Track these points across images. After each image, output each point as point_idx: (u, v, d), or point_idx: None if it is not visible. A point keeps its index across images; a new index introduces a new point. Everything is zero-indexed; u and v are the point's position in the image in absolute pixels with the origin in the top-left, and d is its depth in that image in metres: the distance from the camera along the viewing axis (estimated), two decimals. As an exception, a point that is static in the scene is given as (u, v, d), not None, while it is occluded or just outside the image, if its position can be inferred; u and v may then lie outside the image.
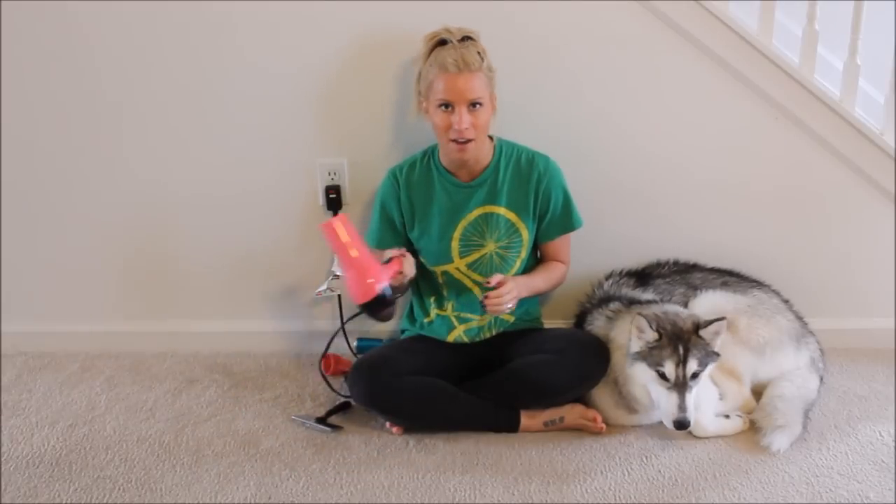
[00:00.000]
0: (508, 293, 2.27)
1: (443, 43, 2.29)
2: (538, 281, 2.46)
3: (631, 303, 2.41)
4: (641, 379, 2.24)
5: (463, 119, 2.25)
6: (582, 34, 2.54)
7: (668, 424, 2.20)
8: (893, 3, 2.65)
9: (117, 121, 2.65)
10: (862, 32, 2.52)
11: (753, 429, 2.32)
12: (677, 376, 2.17)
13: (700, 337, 2.20)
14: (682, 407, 2.17)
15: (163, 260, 2.79)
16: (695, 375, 2.19)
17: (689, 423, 2.17)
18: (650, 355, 2.20)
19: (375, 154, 2.63)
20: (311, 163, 2.67)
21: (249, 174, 2.69)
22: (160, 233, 2.76)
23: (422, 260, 2.50)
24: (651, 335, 2.20)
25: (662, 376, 2.18)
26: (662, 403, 2.20)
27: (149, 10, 2.52)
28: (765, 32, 2.51)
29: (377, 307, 2.18)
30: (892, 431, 2.33)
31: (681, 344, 2.18)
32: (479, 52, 2.28)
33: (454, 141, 2.29)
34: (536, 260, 2.56)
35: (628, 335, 2.26)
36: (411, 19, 2.47)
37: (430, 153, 2.47)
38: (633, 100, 2.61)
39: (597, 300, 2.51)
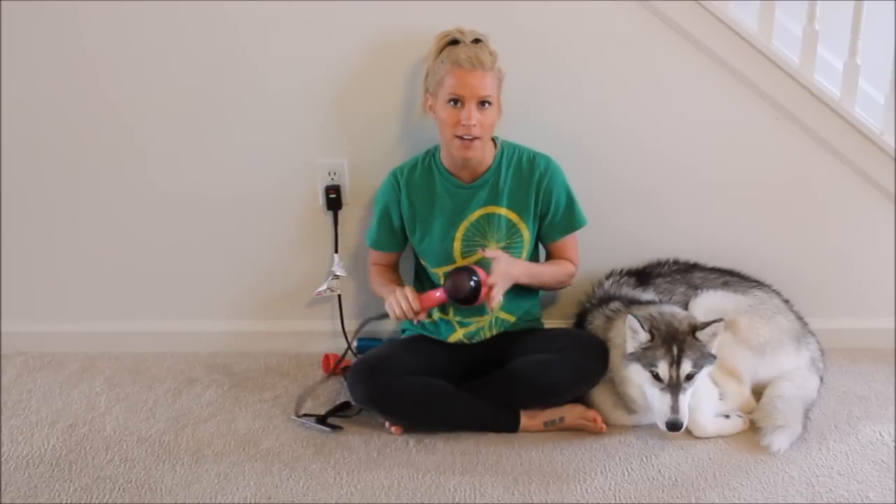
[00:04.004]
0: (497, 281, 2.26)
1: (454, 42, 2.30)
2: (543, 269, 2.45)
3: (631, 303, 2.41)
4: (636, 379, 2.24)
5: (472, 115, 2.26)
6: (582, 34, 2.54)
7: (661, 425, 2.19)
8: (893, 3, 2.65)
9: (117, 121, 2.65)
10: (862, 32, 2.52)
11: (753, 429, 2.32)
12: (671, 377, 2.17)
13: (696, 338, 2.20)
14: (675, 408, 2.17)
15: (163, 260, 2.79)
16: (689, 377, 2.18)
17: (681, 424, 2.17)
18: (644, 356, 2.20)
19: (376, 154, 2.63)
20: (311, 163, 2.67)
21: (249, 174, 2.69)
22: (160, 232, 2.76)
23: (423, 263, 2.50)
24: (644, 336, 2.20)
25: (656, 377, 2.18)
26: (656, 404, 2.20)
27: (150, 10, 2.52)
28: (765, 32, 2.51)
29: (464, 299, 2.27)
30: (892, 431, 2.33)
31: (675, 345, 2.18)
32: (490, 53, 2.29)
33: (459, 137, 2.29)
34: (538, 260, 2.55)
35: (625, 335, 2.26)
36: (413, 20, 2.47)
37: (432, 154, 2.47)
38: (632, 99, 2.61)
39: (597, 300, 2.51)
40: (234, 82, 2.60)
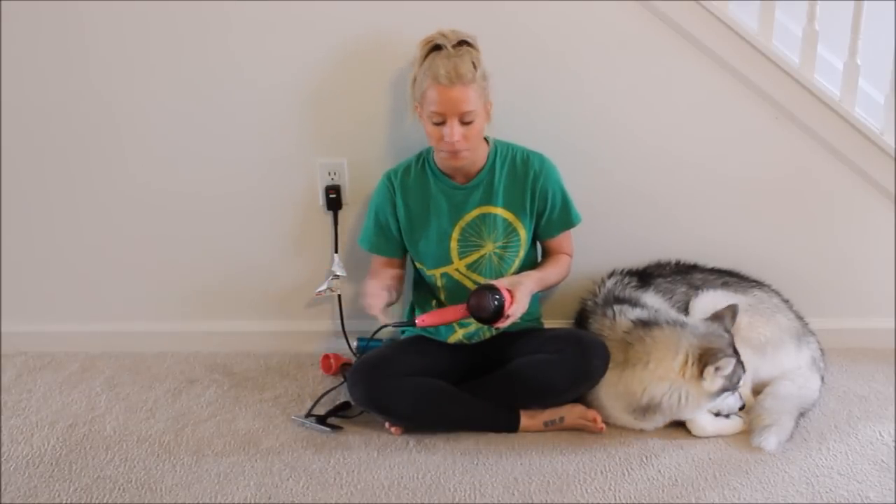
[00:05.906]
0: (519, 304, 2.25)
1: (438, 48, 2.26)
2: (550, 273, 2.44)
3: (644, 324, 2.32)
4: (723, 404, 2.31)
5: (454, 132, 2.23)
6: (582, 34, 2.54)
7: (732, 411, 2.34)
8: (893, 3, 2.65)
9: (117, 121, 2.65)
10: (862, 32, 2.52)
11: (753, 428, 2.33)
12: None
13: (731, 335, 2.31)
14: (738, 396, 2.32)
15: (163, 260, 2.79)
16: None
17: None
18: (732, 381, 2.24)
19: (375, 154, 2.63)
20: (311, 163, 2.67)
21: (249, 174, 2.69)
22: (160, 233, 2.76)
23: (418, 266, 2.50)
24: (731, 364, 2.22)
25: (735, 385, 2.27)
26: (728, 404, 2.32)
27: (148, 10, 2.52)
28: (765, 32, 2.51)
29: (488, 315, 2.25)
30: (892, 431, 2.33)
31: (736, 354, 2.25)
32: (472, 62, 2.23)
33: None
34: (535, 255, 2.55)
35: (676, 365, 2.22)
36: (412, 20, 2.46)
37: (425, 156, 2.46)
38: (632, 100, 2.61)
39: (601, 300, 2.49)
40: (234, 82, 2.60)
